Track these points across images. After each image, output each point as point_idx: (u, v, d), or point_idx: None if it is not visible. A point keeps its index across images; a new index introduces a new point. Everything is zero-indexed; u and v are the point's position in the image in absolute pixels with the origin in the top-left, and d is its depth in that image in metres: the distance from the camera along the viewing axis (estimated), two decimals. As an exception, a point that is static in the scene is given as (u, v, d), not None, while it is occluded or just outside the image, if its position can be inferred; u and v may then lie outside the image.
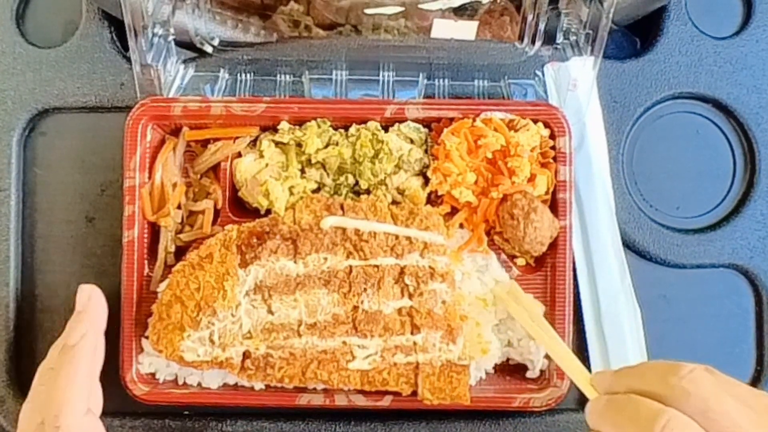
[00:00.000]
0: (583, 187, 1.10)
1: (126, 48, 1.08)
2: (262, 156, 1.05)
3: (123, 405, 1.05)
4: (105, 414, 1.04)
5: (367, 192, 1.05)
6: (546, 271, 1.05)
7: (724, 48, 1.14)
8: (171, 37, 1.05)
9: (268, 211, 1.04)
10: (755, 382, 1.11)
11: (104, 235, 1.11)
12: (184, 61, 1.11)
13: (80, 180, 1.12)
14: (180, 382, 1.04)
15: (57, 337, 1.08)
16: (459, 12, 1.06)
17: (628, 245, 1.11)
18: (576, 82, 1.08)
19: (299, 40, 1.11)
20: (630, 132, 1.13)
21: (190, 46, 1.11)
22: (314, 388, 1.02)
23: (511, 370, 1.07)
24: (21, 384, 1.09)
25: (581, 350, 1.09)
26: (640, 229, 1.11)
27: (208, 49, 1.11)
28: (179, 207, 1.05)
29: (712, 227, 1.13)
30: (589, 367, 1.08)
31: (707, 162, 1.14)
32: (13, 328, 1.09)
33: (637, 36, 1.18)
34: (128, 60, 1.08)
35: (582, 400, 1.06)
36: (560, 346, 0.98)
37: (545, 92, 1.11)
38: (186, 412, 1.07)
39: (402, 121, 1.05)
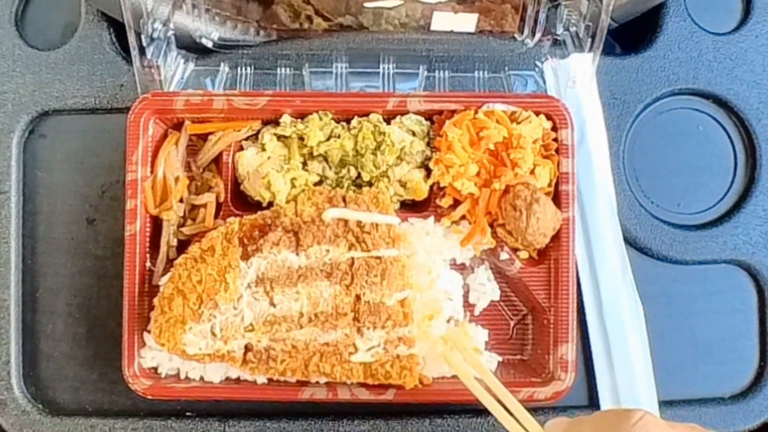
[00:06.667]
0: (584, 183, 1.10)
1: (125, 49, 1.09)
2: (263, 149, 1.05)
3: (125, 406, 1.05)
4: (107, 415, 1.04)
5: (369, 184, 1.05)
6: (549, 264, 1.05)
7: (723, 44, 1.15)
8: (171, 32, 1.06)
9: (270, 204, 1.04)
10: (758, 377, 1.11)
11: (105, 237, 1.11)
12: (185, 56, 1.11)
13: (80, 182, 1.12)
14: (182, 377, 1.03)
15: (58, 339, 1.09)
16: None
17: (630, 242, 1.11)
18: (575, 78, 1.08)
19: (299, 38, 1.11)
20: (630, 128, 1.13)
21: (190, 48, 1.11)
22: (317, 382, 1.01)
23: (516, 364, 1.07)
24: (22, 386, 1.08)
25: (584, 347, 1.09)
26: (642, 226, 1.12)
27: (209, 44, 1.11)
28: (181, 201, 1.05)
29: (714, 223, 1.13)
30: (592, 366, 1.09)
31: (708, 158, 1.14)
32: (13, 330, 1.09)
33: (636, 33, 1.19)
34: (128, 61, 1.09)
35: (593, 399, 1.06)
36: (506, 400, 0.94)
37: (545, 84, 1.11)
38: (188, 413, 1.07)
39: (404, 113, 1.05)
